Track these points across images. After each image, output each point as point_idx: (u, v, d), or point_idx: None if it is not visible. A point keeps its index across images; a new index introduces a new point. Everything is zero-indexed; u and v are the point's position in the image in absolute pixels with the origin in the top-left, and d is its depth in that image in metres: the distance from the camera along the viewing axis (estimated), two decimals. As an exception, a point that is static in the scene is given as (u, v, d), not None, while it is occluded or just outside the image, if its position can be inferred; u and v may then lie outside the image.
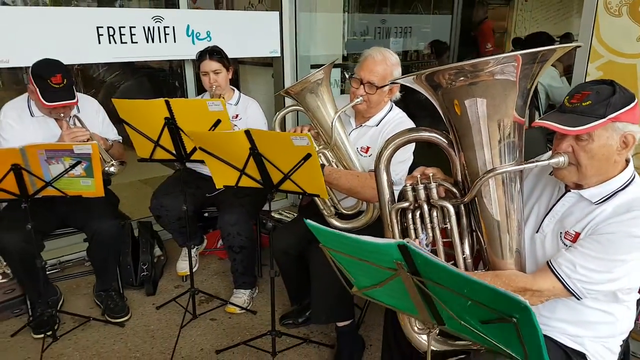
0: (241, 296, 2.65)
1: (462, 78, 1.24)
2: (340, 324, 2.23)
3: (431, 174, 1.46)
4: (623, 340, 1.55)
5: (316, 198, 2.17)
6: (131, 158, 2.46)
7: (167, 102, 2.04)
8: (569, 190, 1.43)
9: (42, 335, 2.32)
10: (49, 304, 2.34)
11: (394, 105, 2.23)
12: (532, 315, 0.84)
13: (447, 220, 1.44)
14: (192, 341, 2.38)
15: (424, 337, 1.52)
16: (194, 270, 2.78)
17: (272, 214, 3.39)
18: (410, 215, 1.47)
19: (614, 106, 1.27)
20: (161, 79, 4.58)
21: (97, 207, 2.39)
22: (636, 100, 1.31)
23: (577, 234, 1.37)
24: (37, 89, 2.21)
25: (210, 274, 3.00)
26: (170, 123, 2.07)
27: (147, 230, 2.95)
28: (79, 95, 2.40)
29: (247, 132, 1.76)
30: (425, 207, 1.46)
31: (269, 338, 2.19)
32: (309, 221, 1.12)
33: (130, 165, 2.48)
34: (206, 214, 2.87)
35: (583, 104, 1.30)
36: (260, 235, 3.05)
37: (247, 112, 2.76)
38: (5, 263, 2.56)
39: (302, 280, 2.31)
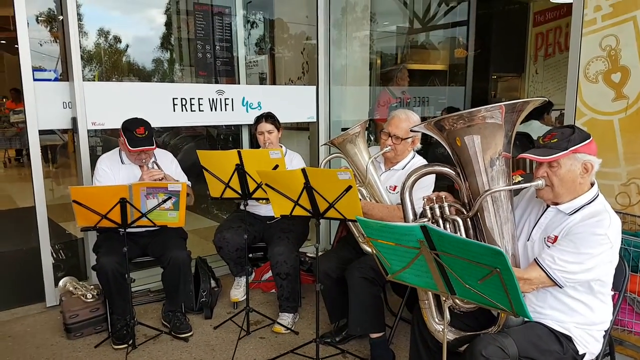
0: (286, 318, 3.07)
1: (461, 122, 1.76)
2: (373, 336, 2.62)
3: (444, 196, 1.95)
4: (605, 331, 1.92)
5: (353, 227, 2.66)
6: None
7: (239, 152, 2.61)
8: (549, 206, 1.90)
9: (123, 346, 2.78)
10: (127, 319, 2.80)
11: (416, 154, 2.77)
12: (506, 259, 1.30)
13: (458, 231, 1.91)
14: (246, 353, 2.79)
15: (441, 326, 1.96)
16: (243, 298, 3.24)
17: (308, 255, 3.87)
18: (429, 228, 1.95)
19: (574, 141, 1.75)
20: (210, 142, 5.29)
21: (172, 239, 2.94)
22: (591, 138, 1.79)
23: (556, 237, 1.81)
24: (125, 140, 2.80)
25: (257, 304, 3.44)
26: (240, 168, 2.63)
27: (204, 264, 3.45)
28: (158, 150, 3.00)
29: (303, 170, 2.29)
30: (441, 221, 1.92)
31: (312, 349, 2.60)
32: (359, 217, 1.62)
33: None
34: (250, 255, 3.35)
35: (552, 141, 1.79)
36: (300, 272, 3.50)
37: (292, 163, 3.32)
38: (92, 286, 3.09)
39: (341, 300, 2.72)
